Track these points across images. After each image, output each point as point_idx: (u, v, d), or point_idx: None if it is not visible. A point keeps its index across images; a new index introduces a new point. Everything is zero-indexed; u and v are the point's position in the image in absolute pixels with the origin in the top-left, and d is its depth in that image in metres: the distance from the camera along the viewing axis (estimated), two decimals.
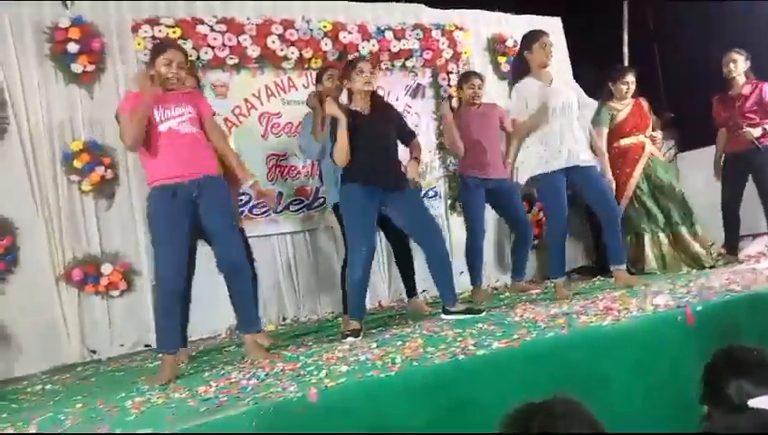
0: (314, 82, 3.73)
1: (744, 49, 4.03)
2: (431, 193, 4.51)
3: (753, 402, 1.26)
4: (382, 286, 4.32)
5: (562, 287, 3.26)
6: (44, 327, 3.37)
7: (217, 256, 2.60)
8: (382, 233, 3.70)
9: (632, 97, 4.03)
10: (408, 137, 3.16)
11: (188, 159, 2.52)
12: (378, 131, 2.97)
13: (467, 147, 3.77)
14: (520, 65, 3.32)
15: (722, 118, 4.07)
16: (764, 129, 3.87)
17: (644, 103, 4.05)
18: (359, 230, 2.90)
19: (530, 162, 3.23)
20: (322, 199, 4.17)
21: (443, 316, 2.96)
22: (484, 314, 2.90)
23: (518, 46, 3.45)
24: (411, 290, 3.65)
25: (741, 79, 3.97)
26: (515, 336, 2.20)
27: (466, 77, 3.94)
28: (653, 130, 4.06)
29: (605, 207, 3.26)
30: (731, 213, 4.05)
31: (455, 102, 4.31)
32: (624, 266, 3.32)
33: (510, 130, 3.63)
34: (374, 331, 3.01)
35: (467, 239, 3.86)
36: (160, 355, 2.53)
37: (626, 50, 5.53)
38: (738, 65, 3.95)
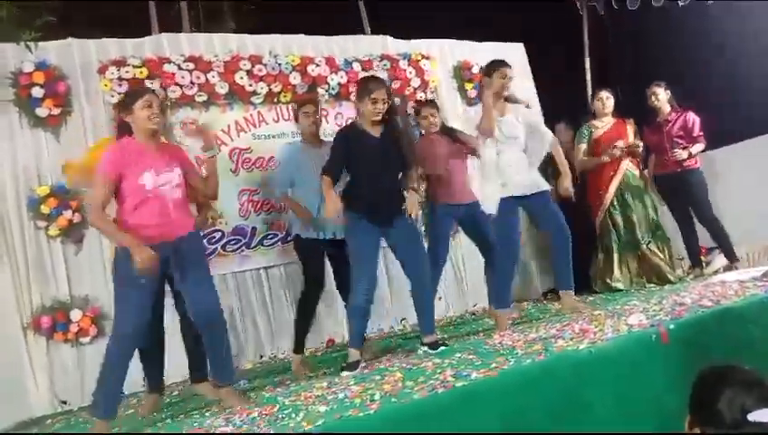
0: (294, 120, 3.66)
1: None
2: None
3: (754, 416, 1.25)
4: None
5: (506, 318, 3.30)
6: (12, 379, 3.25)
7: (193, 309, 2.51)
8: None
9: (615, 116, 4.16)
10: (405, 167, 3.08)
11: (169, 223, 2.47)
12: (383, 160, 2.95)
13: (434, 172, 3.65)
14: (480, 89, 3.41)
15: (651, 143, 4.26)
16: (690, 152, 4.09)
17: (628, 124, 4.17)
18: (362, 260, 2.89)
19: (493, 194, 3.29)
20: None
21: (420, 348, 2.95)
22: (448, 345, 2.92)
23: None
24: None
25: (666, 107, 4.21)
26: (493, 365, 2.20)
27: (418, 111, 3.83)
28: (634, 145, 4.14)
29: (555, 230, 3.33)
30: (686, 229, 4.18)
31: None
32: (572, 291, 3.37)
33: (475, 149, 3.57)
34: None
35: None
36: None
37: (588, 71, 5.67)
38: (659, 96, 4.20)
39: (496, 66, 3.35)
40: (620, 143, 4.05)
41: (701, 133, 4.15)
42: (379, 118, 2.93)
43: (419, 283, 3.00)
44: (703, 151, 4.19)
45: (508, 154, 3.31)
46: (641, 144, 4.19)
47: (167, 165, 2.50)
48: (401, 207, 2.99)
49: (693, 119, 4.17)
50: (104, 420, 2.40)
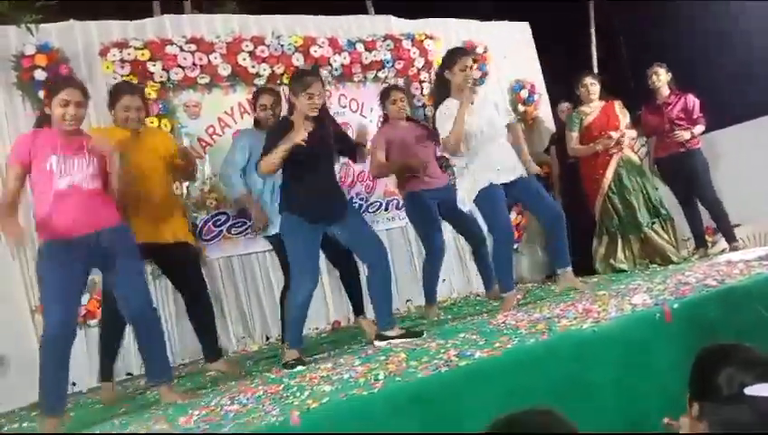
0: (251, 108, 3.52)
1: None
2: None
3: (750, 390, 1.26)
4: (365, 300, 4.31)
5: (512, 299, 3.20)
6: (22, 362, 3.29)
7: (121, 304, 2.47)
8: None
9: (604, 99, 4.11)
10: (351, 151, 3.06)
11: (87, 215, 2.36)
12: (320, 154, 2.81)
13: (406, 159, 3.51)
14: (440, 84, 3.20)
15: (651, 125, 4.24)
16: (692, 133, 4.07)
17: (616, 105, 4.12)
18: (303, 259, 2.76)
19: (471, 185, 3.17)
20: None
21: (376, 343, 2.82)
22: (424, 334, 2.80)
23: (441, 65, 3.24)
24: (359, 307, 3.40)
25: (665, 89, 4.19)
26: (497, 344, 2.21)
27: (387, 93, 3.69)
28: (625, 129, 4.09)
29: (545, 211, 3.25)
30: (689, 210, 4.18)
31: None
32: (570, 268, 3.29)
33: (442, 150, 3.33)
34: (357, 346, 3.00)
35: (425, 259, 3.63)
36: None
37: (594, 52, 5.61)
38: (660, 77, 4.18)
39: (456, 57, 3.14)
40: (614, 134, 4.00)
41: (701, 115, 4.14)
42: (316, 113, 2.78)
43: (376, 272, 2.84)
44: (703, 133, 4.18)
45: (484, 145, 3.13)
46: (635, 133, 4.13)
47: (78, 151, 2.36)
48: (342, 199, 2.92)
49: (693, 101, 4.15)
50: (52, 417, 2.31)
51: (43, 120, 2.44)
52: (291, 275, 2.83)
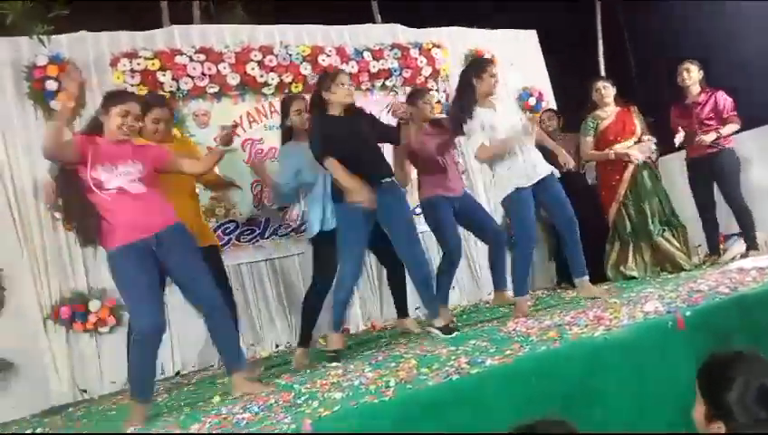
0: (280, 115, 3.45)
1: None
2: (417, 211, 4.51)
3: None
4: (375, 307, 4.31)
5: (525, 303, 3.22)
6: (33, 369, 3.32)
7: (192, 300, 2.56)
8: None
9: (620, 105, 4.08)
10: (389, 131, 3.15)
11: (144, 218, 2.43)
12: (362, 132, 2.97)
13: (428, 166, 3.50)
14: (470, 92, 3.24)
15: (680, 127, 4.14)
16: (719, 133, 3.96)
17: (632, 110, 4.09)
18: (352, 245, 2.93)
19: (500, 184, 3.24)
20: None
21: (428, 328, 3.06)
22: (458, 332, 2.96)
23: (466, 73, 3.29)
24: (402, 310, 3.54)
25: (695, 88, 4.08)
26: (508, 352, 2.20)
27: (421, 93, 3.63)
28: (642, 135, 4.04)
29: (560, 214, 3.28)
30: (707, 215, 4.11)
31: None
32: (587, 277, 3.29)
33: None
34: (368, 352, 2.99)
35: (443, 260, 3.57)
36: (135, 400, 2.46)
37: (601, 58, 5.61)
38: (692, 74, 4.07)
39: (485, 65, 3.26)
40: (629, 142, 3.97)
41: (734, 113, 4.02)
42: (353, 99, 2.98)
43: (415, 267, 3.00)
44: (737, 132, 4.05)
45: (512, 148, 3.19)
46: (652, 139, 4.09)
47: (122, 160, 2.43)
48: (389, 177, 3.02)
49: (724, 99, 4.03)
50: (143, 404, 2.44)
51: (95, 126, 2.48)
52: (340, 260, 2.98)
